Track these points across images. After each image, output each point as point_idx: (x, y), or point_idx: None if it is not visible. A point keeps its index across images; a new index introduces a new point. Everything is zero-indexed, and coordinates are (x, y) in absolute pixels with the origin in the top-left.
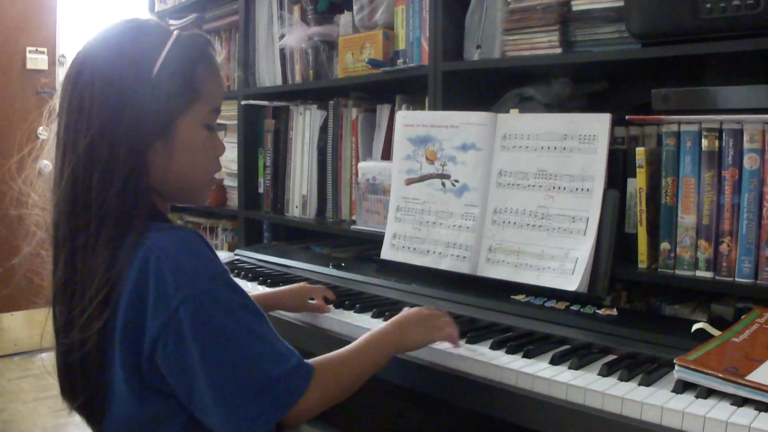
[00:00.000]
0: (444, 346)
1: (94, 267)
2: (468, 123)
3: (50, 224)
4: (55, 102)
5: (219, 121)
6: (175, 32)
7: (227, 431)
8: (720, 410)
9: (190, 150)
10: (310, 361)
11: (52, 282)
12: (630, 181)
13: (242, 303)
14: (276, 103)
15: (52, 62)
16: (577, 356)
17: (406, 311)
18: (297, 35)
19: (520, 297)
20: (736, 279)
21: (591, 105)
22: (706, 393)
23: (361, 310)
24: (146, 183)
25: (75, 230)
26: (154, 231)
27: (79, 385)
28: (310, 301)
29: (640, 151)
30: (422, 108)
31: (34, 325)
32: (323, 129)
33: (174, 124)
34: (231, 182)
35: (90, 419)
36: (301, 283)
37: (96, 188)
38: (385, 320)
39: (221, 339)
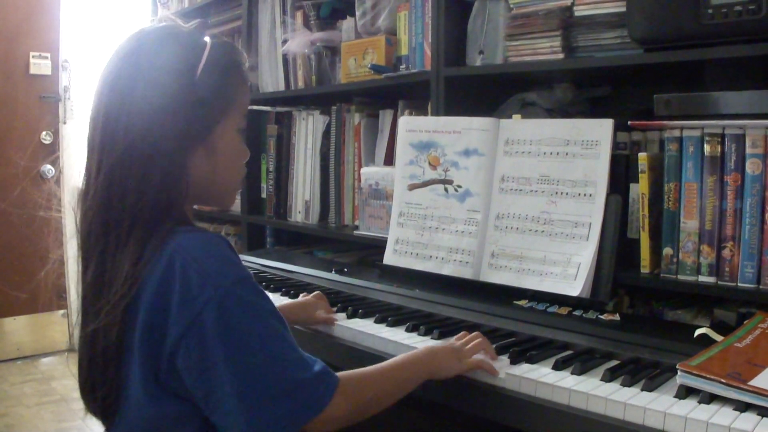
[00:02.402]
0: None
1: (122, 264)
2: (470, 128)
3: (80, 227)
4: (62, 111)
5: None
6: (209, 39)
7: None
8: (722, 416)
9: (229, 154)
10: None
11: (82, 283)
12: (632, 186)
13: (268, 307)
14: (279, 109)
15: (55, 67)
16: (580, 361)
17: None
18: (300, 41)
19: (523, 302)
20: (739, 284)
21: (593, 110)
22: (709, 398)
23: (364, 316)
24: (185, 187)
25: (108, 227)
26: (179, 233)
27: (99, 379)
28: (318, 312)
29: (642, 157)
30: (425, 113)
31: (37, 330)
32: (326, 134)
33: (216, 129)
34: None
35: (104, 417)
36: (308, 297)
37: (132, 189)
38: (387, 326)
39: (247, 340)
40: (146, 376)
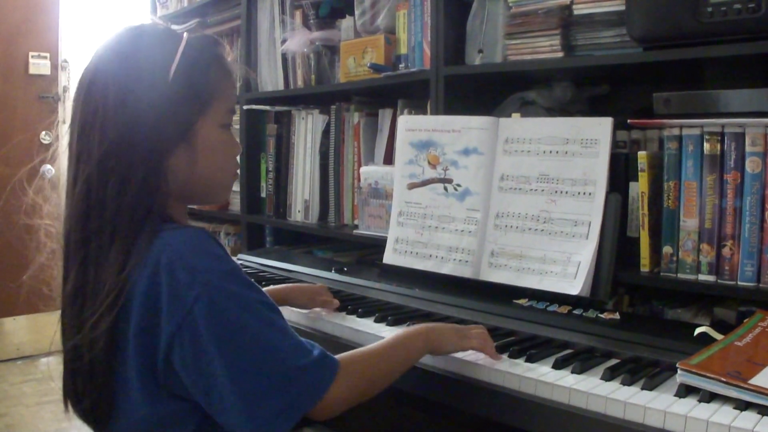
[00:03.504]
0: (476, 357)
1: (106, 273)
2: (470, 127)
3: (62, 233)
4: (61, 110)
5: None
6: (185, 35)
7: (250, 430)
8: (723, 414)
9: (212, 152)
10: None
11: (62, 292)
12: (632, 184)
13: (258, 298)
14: (278, 108)
15: (54, 67)
16: (580, 360)
17: None
18: (299, 40)
19: (523, 301)
20: (739, 282)
21: (593, 109)
22: (709, 397)
23: (364, 315)
24: (164, 188)
25: (87, 238)
26: (163, 231)
27: (86, 389)
28: (319, 299)
29: (641, 155)
30: (424, 112)
31: (36, 330)
32: (325, 133)
33: (194, 127)
34: (233, 186)
35: (94, 423)
36: (313, 285)
37: (111, 196)
38: (387, 325)
39: (240, 333)
40: (144, 378)
